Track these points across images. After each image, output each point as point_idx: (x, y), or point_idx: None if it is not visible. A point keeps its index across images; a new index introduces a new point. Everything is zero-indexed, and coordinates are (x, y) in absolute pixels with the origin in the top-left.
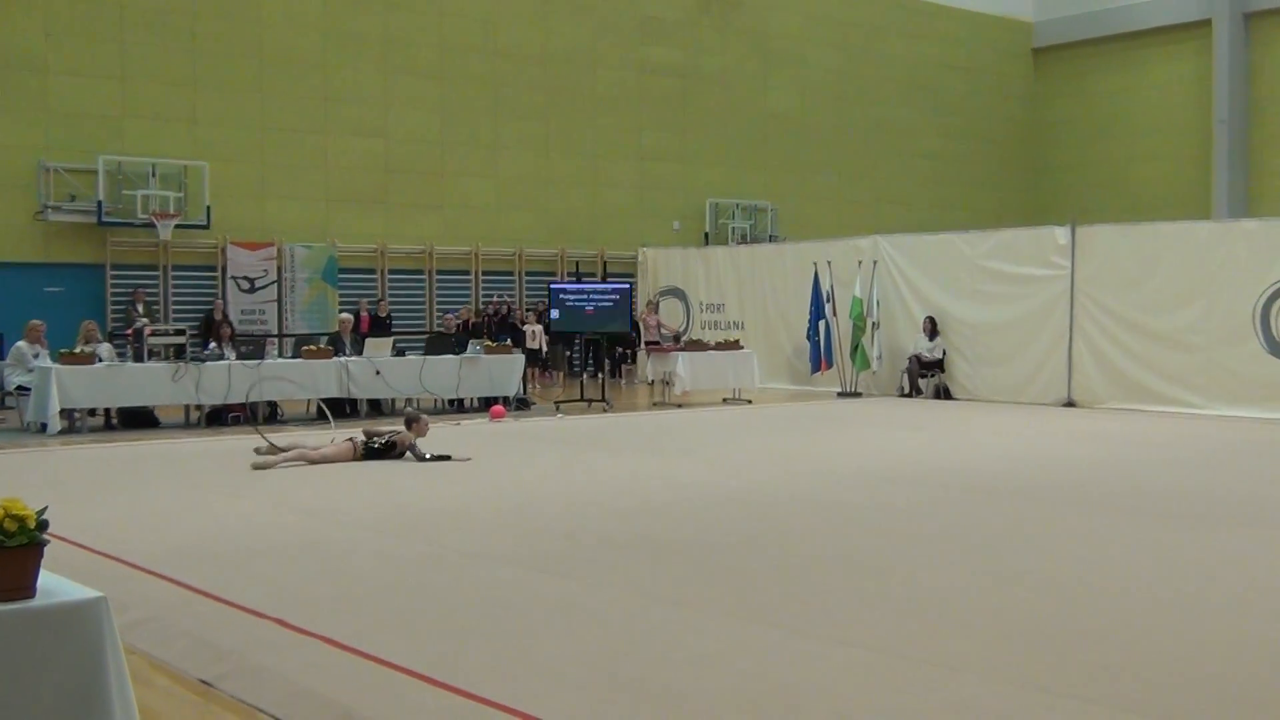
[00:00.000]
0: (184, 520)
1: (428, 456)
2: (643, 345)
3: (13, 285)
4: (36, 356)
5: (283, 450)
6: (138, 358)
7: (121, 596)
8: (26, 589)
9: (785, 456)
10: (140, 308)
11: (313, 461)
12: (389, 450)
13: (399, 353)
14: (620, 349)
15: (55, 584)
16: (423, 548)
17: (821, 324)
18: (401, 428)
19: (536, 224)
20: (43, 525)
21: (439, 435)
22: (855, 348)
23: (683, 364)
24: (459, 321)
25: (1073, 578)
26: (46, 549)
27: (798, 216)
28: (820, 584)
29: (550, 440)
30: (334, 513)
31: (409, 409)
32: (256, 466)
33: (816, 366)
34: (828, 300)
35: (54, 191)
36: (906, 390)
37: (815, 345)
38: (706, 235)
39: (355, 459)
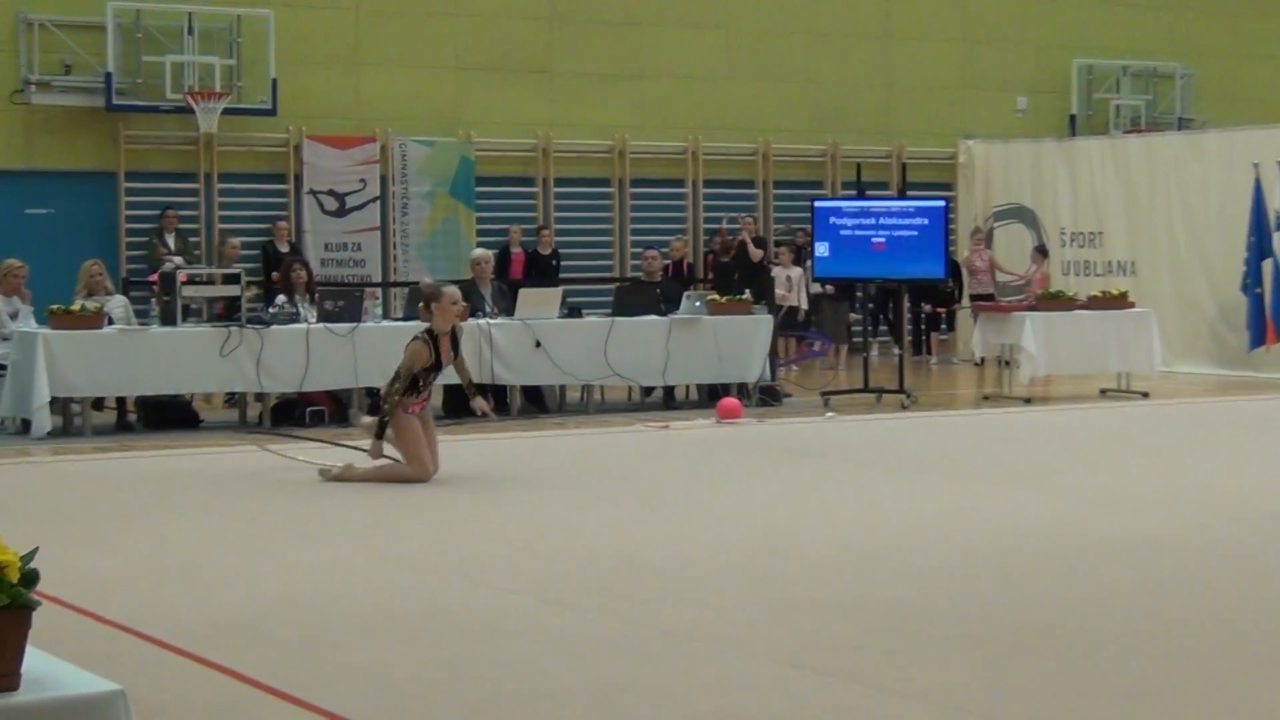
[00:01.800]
0: (237, 575)
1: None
2: (966, 301)
3: None
4: (14, 316)
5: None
6: (167, 319)
7: (146, 691)
8: (7, 676)
9: (1205, 488)
10: (171, 240)
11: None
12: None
13: (572, 312)
14: (930, 307)
15: (50, 670)
16: (613, 624)
17: (1268, 266)
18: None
19: (792, 104)
20: (30, 579)
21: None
22: None
23: (1033, 332)
24: (668, 262)
25: None
26: (36, 614)
27: (1227, 88)
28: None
29: (814, 455)
30: (464, 564)
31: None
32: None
33: (1259, 338)
34: (1278, 227)
35: (39, 60)
36: None
37: (1257, 302)
38: (1073, 119)
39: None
